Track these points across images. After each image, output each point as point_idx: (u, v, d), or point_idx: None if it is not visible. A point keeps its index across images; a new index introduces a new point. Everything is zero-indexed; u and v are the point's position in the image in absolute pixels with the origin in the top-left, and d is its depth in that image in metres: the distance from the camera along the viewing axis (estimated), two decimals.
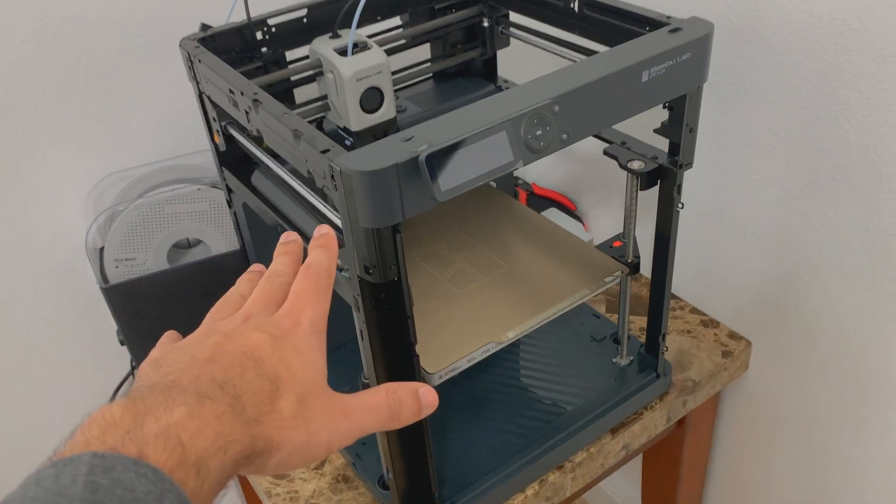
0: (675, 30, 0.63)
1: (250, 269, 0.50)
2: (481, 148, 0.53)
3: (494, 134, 0.53)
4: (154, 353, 0.41)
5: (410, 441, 0.68)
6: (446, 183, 0.51)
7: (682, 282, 1.02)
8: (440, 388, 0.70)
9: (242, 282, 0.48)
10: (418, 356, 0.63)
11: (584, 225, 1.15)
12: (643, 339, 0.88)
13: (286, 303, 0.43)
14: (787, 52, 0.76)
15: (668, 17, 0.66)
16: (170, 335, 0.45)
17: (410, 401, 0.43)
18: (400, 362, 0.63)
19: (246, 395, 0.36)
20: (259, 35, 0.76)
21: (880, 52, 0.68)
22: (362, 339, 0.62)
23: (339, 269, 0.61)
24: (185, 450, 0.31)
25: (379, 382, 0.64)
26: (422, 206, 0.52)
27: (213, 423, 0.33)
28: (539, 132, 0.55)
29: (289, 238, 0.50)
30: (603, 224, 1.13)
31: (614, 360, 0.90)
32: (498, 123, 0.53)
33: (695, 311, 1.01)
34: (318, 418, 0.38)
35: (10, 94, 0.83)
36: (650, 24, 0.67)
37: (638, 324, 0.98)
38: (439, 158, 0.51)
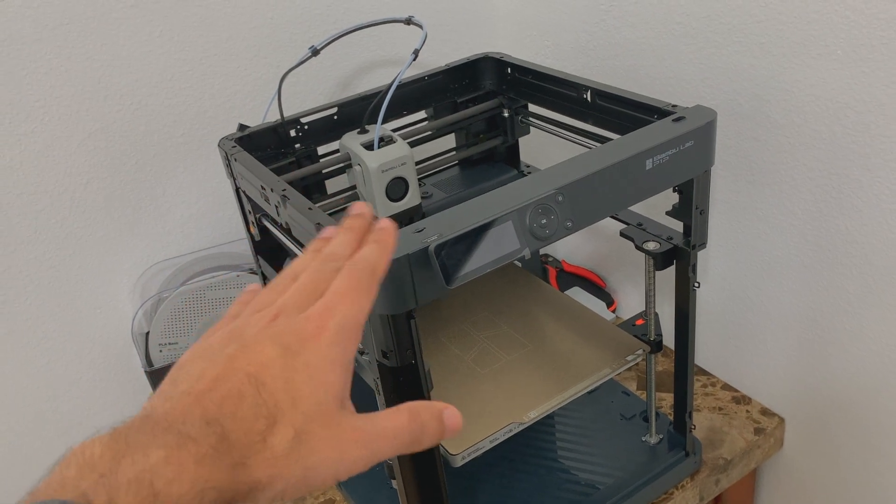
0: (679, 118, 0.66)
1: (322, 234, 0.46)
2: (488, 237, 0.56)
3: (501, 224, 0.56)
4: (190, 350, 0.40)
5: None
6: (455, 272, 0.55)
7: (713, 358, 1.02)
8: (467, 468, 0.72)
9: (306, 256, 0.44)
10: None
11: (610, 304, 1.16)
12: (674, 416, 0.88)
13: (321, 301, 0.39)
14: (797, 134, 0.78)
15: (674, 106, 0.69)
16: (249, 292, 0.45)
17: (435, 425, 0.40)
18: None
19: (235, 433, 0.34)
20: (293, 132, 0.82)
21: (884, 133, 0.70)
22: None
23: (361, 353, 0.64)
24: (157, 498, 0.31)
25: (401, 463, 0.66)
26: (433, 293, 0.55)
27: (191, 468, 0.32)
28: (544, 221, 0.58)
29: (359, 211, 0.46)
30: (632, 301, 1.15)
31: (644, 439, 0.90)
32: (504, 214, 0.56)
33: (727, 387, 1.00)
34: (320, 451, 0.35)
35: (68, 190, 0.90)
36: (657, 112, 0.70)
37: (669, 401, 0.98)
38: (448, 248, 0.54)
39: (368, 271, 0.41)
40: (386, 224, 0.45)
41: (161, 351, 0.95)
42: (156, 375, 0.93)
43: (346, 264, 0.41)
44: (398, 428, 0.38)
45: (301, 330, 0.38)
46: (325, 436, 0.36)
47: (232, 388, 0.35)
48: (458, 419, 0.41)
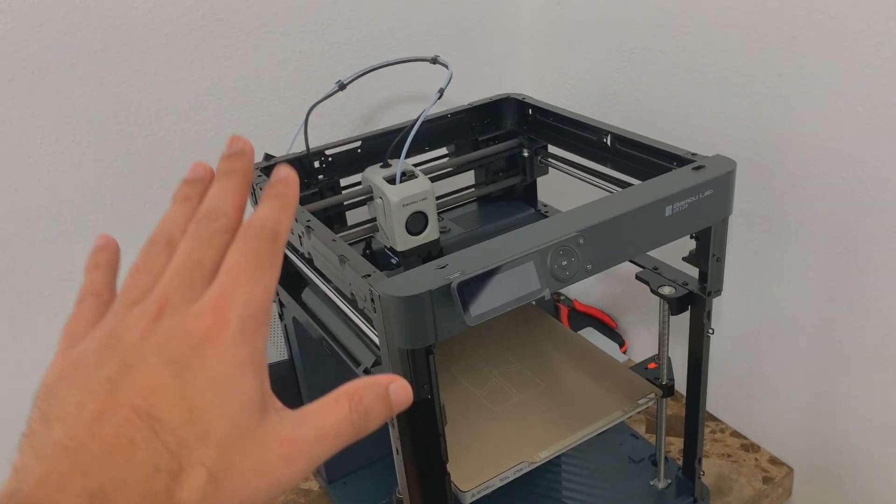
0: (699, 167, 0.67)
1: (190, 176, 0.34)
2: (510, 276, 0.57)
3: (523, 264, 0.57)
4: (56, 364, 0.31)
5: None
6: (476, 309, 0.55)
7: (723, 404, 1.02)
8: None
9: (176, 212, 0.34)
10: (450, 474, 0.65)
11: (621, 345, 1.16)
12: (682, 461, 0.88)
13: (214, 285, 0.30)
14: (814, 187, 0.79)
15: (694, 154, 0.70)
16: (101, 250, 0.35)
17: (381, 407, 0.33)
18: (432, 479, 0.65)
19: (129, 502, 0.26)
20: (317, 164, 0.84)
21: None
22: (397, 454, 0.64)
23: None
24: None
25: (412, 498, 0.66)
26: (453, 329, 0.56)
27: None
28: (565, 262, 0.59)
29: (235, 146, 0.34)
30: (643, 343, 1.15)
31: (652, 483, 0.89)
32: (526, 254, 0.57)
33: (736, 434, 1.00)
34: (245, 486, 0.28)
35: (93, 210, 0.91)
36: (677, 160, 0.71)
37: (678, 445, 0.97)
38: (470, 286, 0.55)
39: (269, 238, 0.32)
40: (284, 172, 0.34)
41: None
42: None
43: (239, 231, 0.32)
44: (338, 423, 0.31)
45: (195, 331, 0.29)
46: (247, 465, 0.28)
47: (118, 432, 0.27)
48: (407, 393, 0.34)
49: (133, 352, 0.29)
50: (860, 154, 0.74)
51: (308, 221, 0.67)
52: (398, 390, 0.33)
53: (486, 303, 0.56)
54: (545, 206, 0.95)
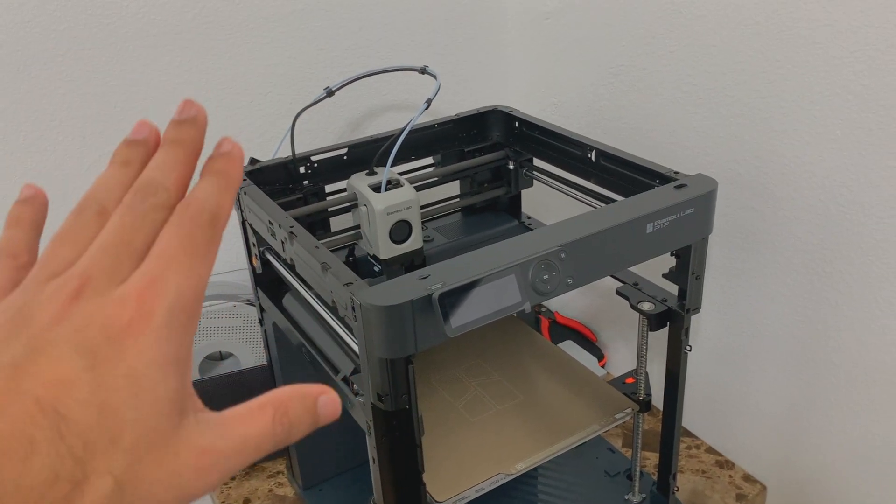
0: (681, 185, 0.68)
1: (132, 136, 0.31)
2: (491, 289, 0.57)
3: (504, 276, 0.57)
4: None
5: None
6: (457, 320, 0.56)
7: (699, 420, 1.03)
8: None
9: (111, 177, 0.30)
10: (425, 484, 0.65)
11: (600, 359, 1.17)
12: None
13: (143, 267, 0.27)
14: (793, 208, 0.80)
15: (676, 173, 0.71)
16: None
17: (306, 420, 0.30)
18: (408, 489, 0.65)
19: None
20: (302, 169, 0.84)
21: (877, 214, 0.72)
22: (373, 462, 0.64)
23: (356, 394, 0.65)
24: None
25: None
26: (434, 340, 0.56)
27: None
28: (546, 276, 0.59)
29: (187, 111, 0.31)
30: (622, 357, 1.16)
31: (626, 497, 0.90)
32: (508, 267, 0.58)
33: (711, 450, 1.01)
34: (153, 495, 0.26)
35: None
36: (659, 178, 0.72)
37: (653, 460, 0.98)
38: (451, 297, 0.55)
39: (207, 221, 0.29)
40: (228, 146, 0.31)
41: None
42: None
43: (176, 210, 0.29)
44: (260, 435, 0.29)
45: (116, 320, 0.26)
46: (157, 476, 0.26)
47: (17, 428, 0.23)
48: (336, 407, 0.31)
49: (43, 335, 0.25)
50: (838, 177, 0.75)
51: (291, 227, 0.67)
52: (327, 403, 0.30)
53: (467, 314, 0.56)
54: (529, 218, 0.96)
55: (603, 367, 1.17)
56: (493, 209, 0.98)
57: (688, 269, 0.71)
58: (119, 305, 0.26)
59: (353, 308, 0.56)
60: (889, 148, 0.70)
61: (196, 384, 0.94)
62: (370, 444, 0.64)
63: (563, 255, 0.60)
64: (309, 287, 0.72)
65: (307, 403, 0.30)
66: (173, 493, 0.26)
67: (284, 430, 0.29)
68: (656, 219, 0.64)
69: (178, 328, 0.27)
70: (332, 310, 0.64)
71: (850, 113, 0.72)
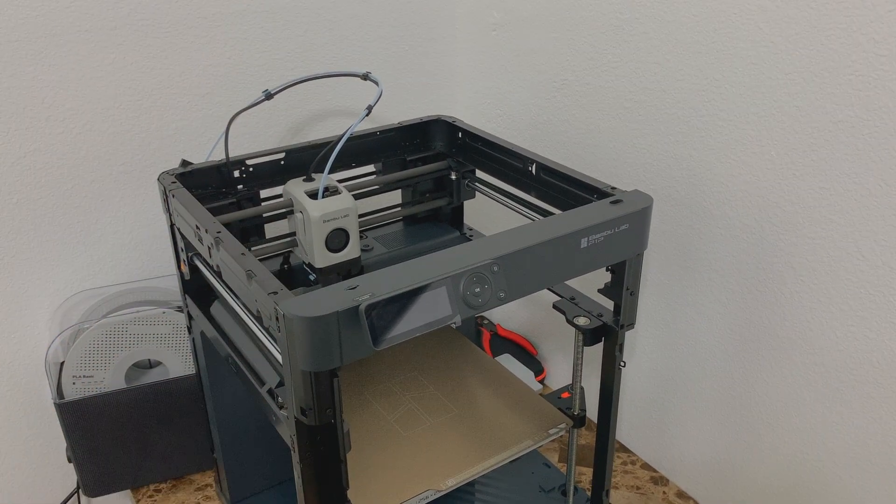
0: (617, 201, 0.68)
1: None
2: (421, 301, 0.56)
3: (435, 289, 0.56)
4: None
5: None
6: (384, 333, 0.54)
7: (635, 435, 1.03)
8: None
9: None
10: (350, 501, 0.63)
11: (539, 373, 1.17)
12: None
13: None
14: (729, 227, 0.81)
15: (613, 188, 0.71)
16: None
17: None
18: None
19: None
20: (237, 173, 0.81)
21: (808, 234, 0.73)
22: (298, 479, 0.62)
23: (280, 407, 0.63)
24: None
25: None
26: (360, 353, 0.54)
27: None
28: (478, 289, 0.58)
29: None
30: (562, 371, 1.15)
31: None
32: (438, 279, 0.56)
33: (646, 466, 1.01)
34: None
35: None
36: (597, 192, 0.72)
37: (589, 475, 0.98)
38: (379, 309, 0.54)
39: None
40: None
41: (74, 383, 0.91)
42: (65, 408, 0.89)
43: None
44: None
45: None
46: None
47: None
48: None
49: None
50: (773, 197, 0.76)
51: (218, 232, 0.65)
52: None
53: (395, 327, 0.55)
54: (471, 229, 0.95)
55: (542, 381, 1.16)
56: (435, 219, 0.96)
57: (622, 285, 0.71)
58: None
59: (277, 318, 0.54)
60: (821, 170, 0.71)
61: (121, 393, 0.91)
62: (294, 459, 0.61)
63: (495, 269, 0.59)
64: (236, 295, 0.70)
65: None
66: None
67: None
68: (591, 234, 0.64)
69: None
70: (258, 319, 0.62)
71: (785, 134, 0.73)
